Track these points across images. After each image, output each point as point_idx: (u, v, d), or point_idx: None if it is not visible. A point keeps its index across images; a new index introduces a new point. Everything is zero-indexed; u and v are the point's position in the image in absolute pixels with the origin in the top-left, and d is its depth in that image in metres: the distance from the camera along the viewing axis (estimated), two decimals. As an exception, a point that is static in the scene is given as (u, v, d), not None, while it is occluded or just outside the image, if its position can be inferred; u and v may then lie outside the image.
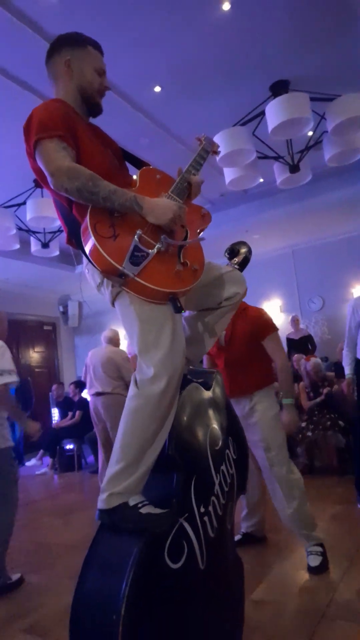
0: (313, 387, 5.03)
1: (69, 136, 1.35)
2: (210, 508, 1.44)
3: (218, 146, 1.69)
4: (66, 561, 2.85)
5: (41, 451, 7.21)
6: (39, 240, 5.99)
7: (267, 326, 2.63)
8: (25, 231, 5.87)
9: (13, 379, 2.62)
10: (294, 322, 7.31)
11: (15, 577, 2.61)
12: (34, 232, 5.96)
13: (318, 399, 4.86)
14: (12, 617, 2.22)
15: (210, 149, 1.64)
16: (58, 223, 5.28)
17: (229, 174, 4.65)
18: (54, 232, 5.98)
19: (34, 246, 6.06)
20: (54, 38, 1.54)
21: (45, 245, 5.98)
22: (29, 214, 5.06)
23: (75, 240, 1.37)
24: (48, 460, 7.00)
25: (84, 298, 9.49)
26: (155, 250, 1.28)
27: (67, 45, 1.50)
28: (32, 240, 6.06)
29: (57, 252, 6.19)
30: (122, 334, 8.81)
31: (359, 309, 3.47)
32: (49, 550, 3.20)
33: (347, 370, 3.56)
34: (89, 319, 9.85)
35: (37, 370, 9.49)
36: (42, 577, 2.70)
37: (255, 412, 2.53)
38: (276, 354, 2.63)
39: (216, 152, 1.69)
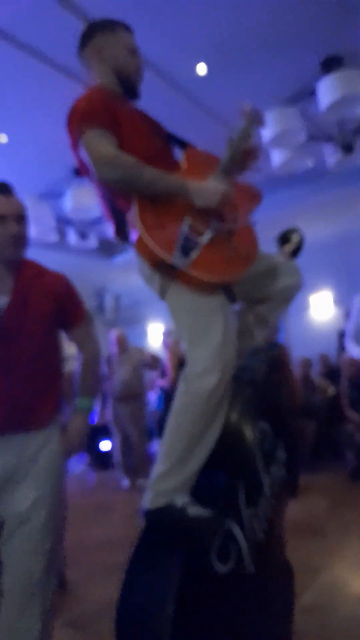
0: (355, 385, 4.78)
1: (111, 124, 1.37)
2: (260, 510, 1.44)
3: (263, 116, 1.61)
4: (102, 557, 2.93)
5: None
6: (77, 231, 6.11)
7: (78, 305, 1.73)
8: (63, 222, 6.00)
9: None
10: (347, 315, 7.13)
11: None
12: (72, 223, 6.08)
13: None
14: (53, 612, 2.31)
15: (256, 121, 1.57)
16: (97, 214, 5.37)
17: (277, 157, 4.58)
18: (93, 224, 6.07)
19: (72, 237, 6.18)
20: (84, 27, 1.58)
21: (83, 236, 6.09)
22: (69, 204, 5.15)
23: (122, 231, 1.39)
24: (85, 457, 7.17)
25: (121, 290, 9.63)
26: (205, 237, 1.28)
27: (97, 32, 1.55)
28: (70, 231, 6.19)
29: (96, 243, 6.28)
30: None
31: None
32: (85, 546, 3.29)
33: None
34: (126, 311, 9.96)
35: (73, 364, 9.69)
36: (79, 572, 2.78)
37: (38, 461, 1.44)
38: (88, 344, 1.72)
39: (262, 124, 1.62)
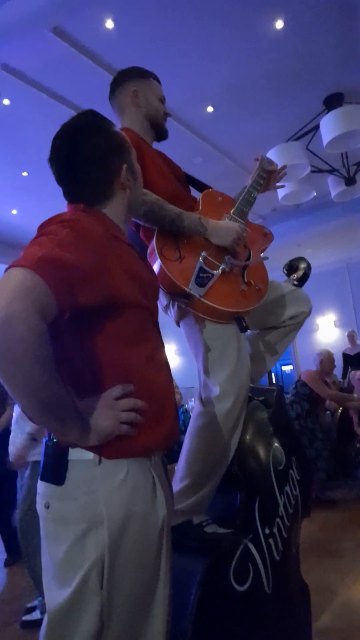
0: None
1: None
2: (275, 530, 1.41)
3: (277, 165, 1.70)
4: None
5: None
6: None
7: None
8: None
9: None
10: (351, 337, 7.08)
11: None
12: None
13: None
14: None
15: (269, 168, 1.64)
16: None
17: (282, 189, 4.63)
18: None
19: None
20: (116, 73, 1.62)
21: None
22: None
23: (142, 262, 1.41)
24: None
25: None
26: (219, 271, 1.30)
27: (131, 78, 1.58)
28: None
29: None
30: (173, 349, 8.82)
31: None
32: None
33: None
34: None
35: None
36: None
37: None
38: None
39: (274, 170, 1.69)
